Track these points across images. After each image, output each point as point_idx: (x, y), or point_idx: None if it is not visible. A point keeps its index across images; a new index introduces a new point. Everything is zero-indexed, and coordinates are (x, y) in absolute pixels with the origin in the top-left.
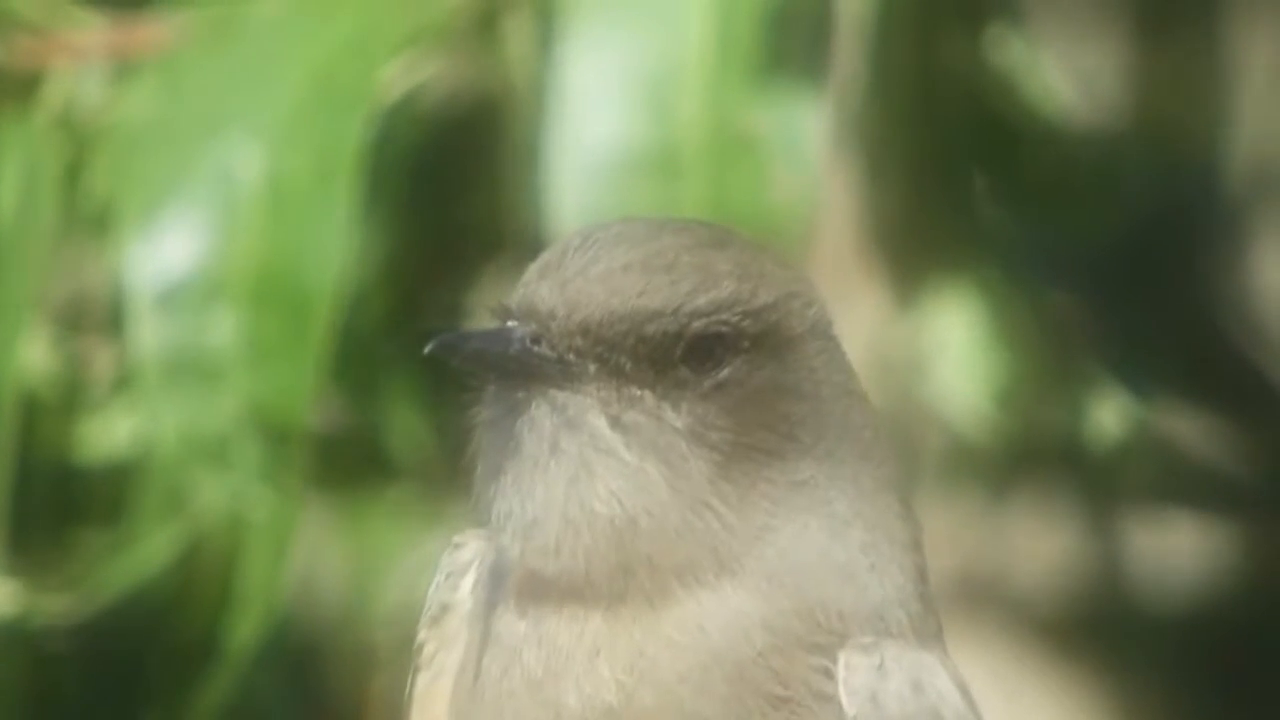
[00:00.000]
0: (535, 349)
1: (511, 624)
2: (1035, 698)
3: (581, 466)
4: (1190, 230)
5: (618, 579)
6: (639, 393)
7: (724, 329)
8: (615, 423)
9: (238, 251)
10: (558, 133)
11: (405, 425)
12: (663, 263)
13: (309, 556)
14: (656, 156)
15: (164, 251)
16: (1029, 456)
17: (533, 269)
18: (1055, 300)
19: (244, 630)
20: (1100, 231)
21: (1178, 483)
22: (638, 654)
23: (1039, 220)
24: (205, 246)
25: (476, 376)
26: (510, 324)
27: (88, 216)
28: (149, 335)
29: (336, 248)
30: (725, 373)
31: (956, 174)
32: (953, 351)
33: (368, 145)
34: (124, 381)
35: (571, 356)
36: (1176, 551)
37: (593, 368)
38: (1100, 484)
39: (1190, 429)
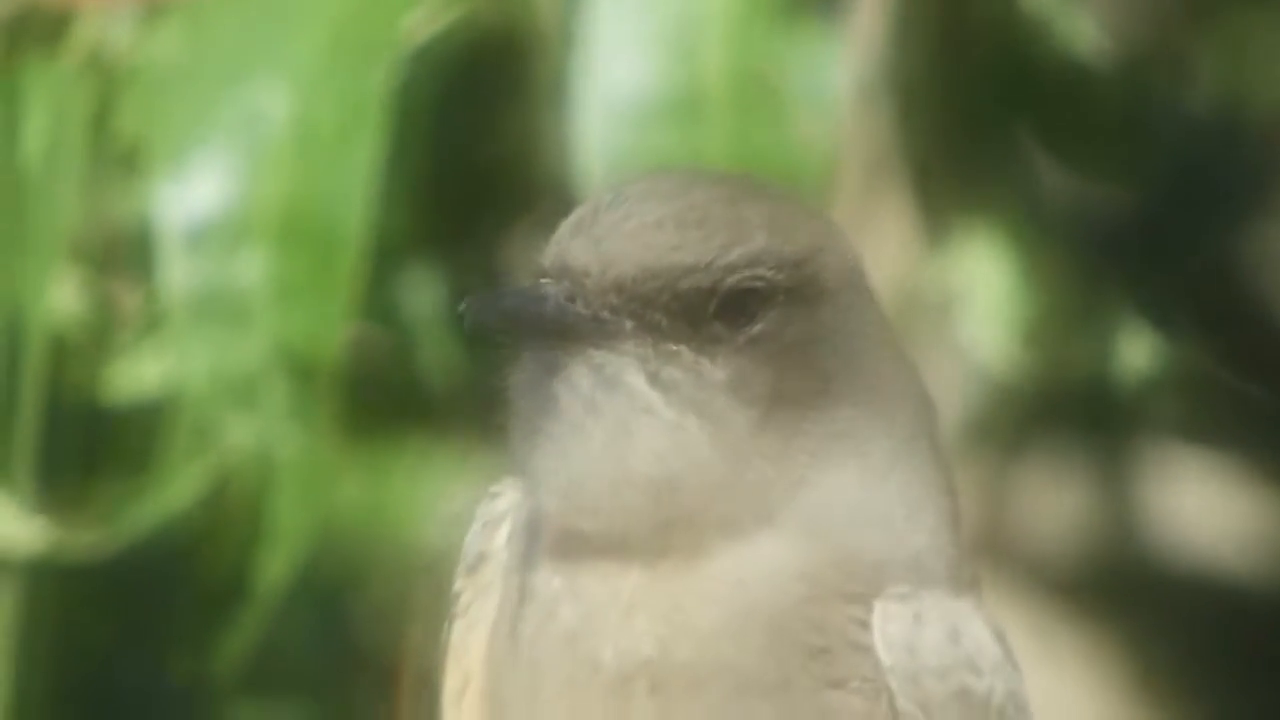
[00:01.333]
0: (571, 307)
1: (546, 579)
2: (1052, 653)
3: (620, 425)
4: (1214, 183)
5: (658, 535)
6: (675, 348)
7: (758, 283)
8: (654, 379)
9: (265, 192)
10: (583, 76)
11: (434, 367)
12: (695, 217)
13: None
14: (681, 100)
15: (192, 193)
16: (1056, 395)
17: (565, 226)
18: (1083, 241)
19: (273, 570)
20: (1129, 175)
21: (1207, 419)
22: (674, 607)
23: (1069, 162)
24: (233, 188)
25: (512, 336)
26: (544, 282)
27: (116, 158)
28: (178, 276)
29: (363, 188)
30: (760, 325)
31: (986, 115)
32: (981, 291)
33: (394, 87)
34: (153, 322)
35: (607, 314)
36: (1195, 508)
37: (629, 324)
38: (1128, 423)
39: (1216, 371)
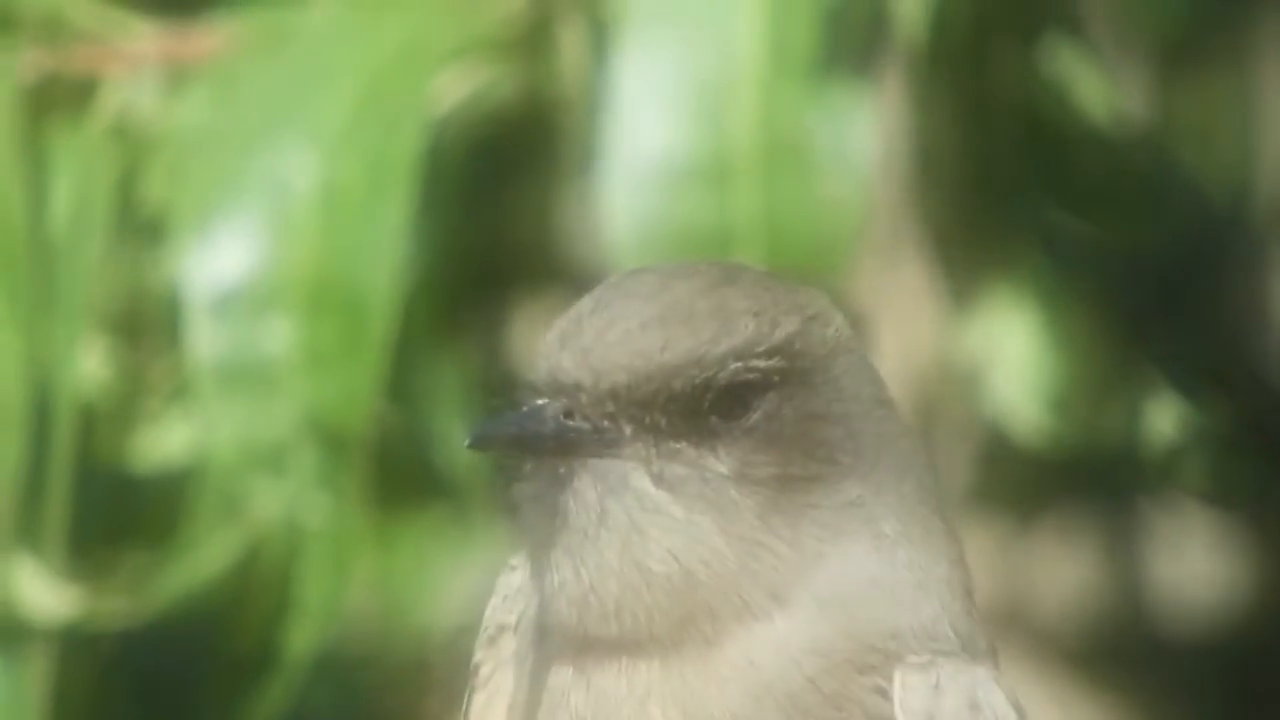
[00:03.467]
0: (569, 424)
1: (558, 668)
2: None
3: (632, 529)
4: (1219, 255)
5: (675, 631)
6: (677, 446)
7: (751, 368)
8: (659, 480)
9: (293, 259)
10: (610, 141)
11: (449, 438)
12: (679, 314)
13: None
14: (709, 164)
15: (219, 259)
16: (1077, 462)
17: (552, 338)
18: (1106, 305)
19: (301, 640)
20: (1147, 239)
21: (1228, 485)
22: (689, 694)
23: (1088, 226)
24: (260, 254)
25: (517, 457)
26: (540, 402)
27: (142, 225)
28: (204, 343)
29: (391, 255)
30: (759, 409)
31: (1010, 179)
32: (1006, 358)
33: (421, 153)
34: (180, 389)
35: (606, 424)
36: (1200, 576)
37: (628, 430)
38: (1147, 489)
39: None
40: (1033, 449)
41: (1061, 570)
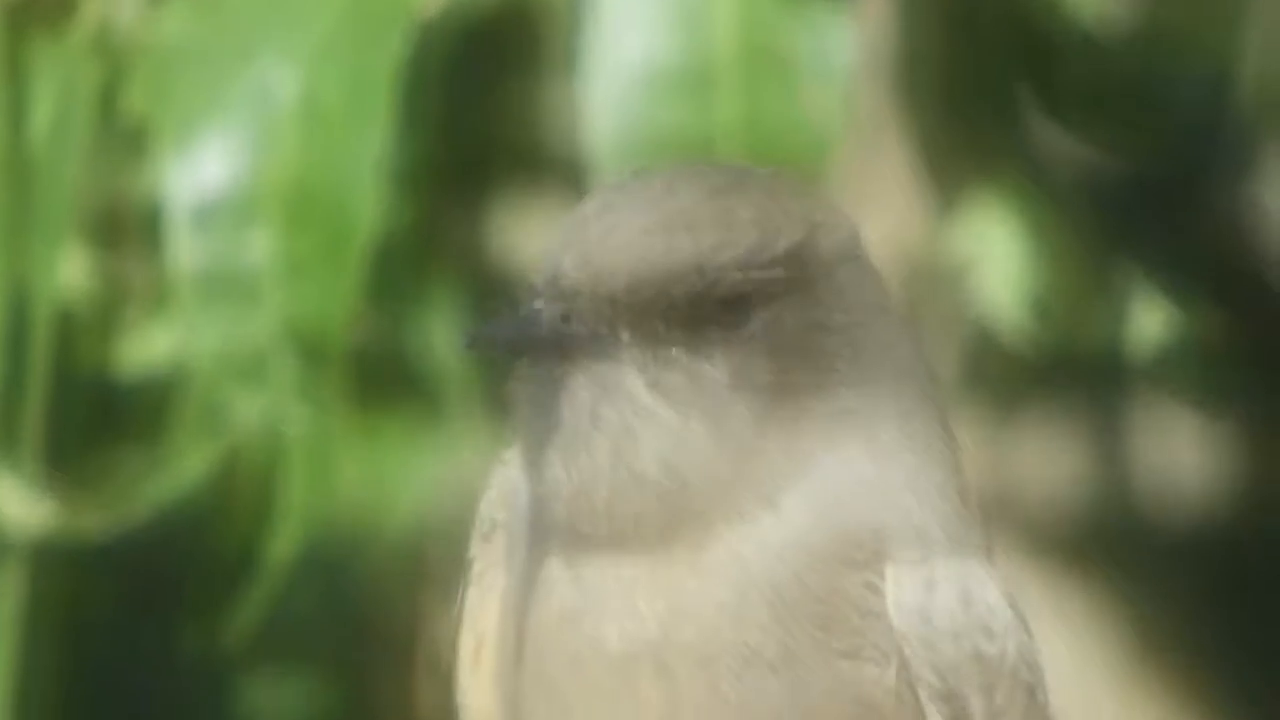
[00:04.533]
0: (566, 327)
1: (549, 563)
2: (1053, 610)
3: (625, 433)
4: (1208, 156)
5: (665, 532)
6: (674, 352)
7: (752, 276)
8: (654, 385)
9: (274, 170)
10: (592, 46)
11: (435, 341)
12: (683, 221)
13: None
14: (690, 70)
15: (201, 170)
16: (1065, 365)
17: (554, 242)
18: (1091, 209)
19: (282, 545)
20: (1134, 142)
21: (1214, 385)
22: (675, 588)
23: (1076, 130)
24: (242, 165)
25: (513, 359)
26: (538, 305)
27: (124, 136)
28: (185, 253)
29: (373, 165)
30: (759, 317)
31: (995, 84)
32: (990, 261)
33: (403, 63)
34: (161, 299)
35: (603, 329)
36: (1187, 465)
37: (625, 335)
38: (1134, 388)
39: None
40: (1016, 349)
41: (1048, 462)
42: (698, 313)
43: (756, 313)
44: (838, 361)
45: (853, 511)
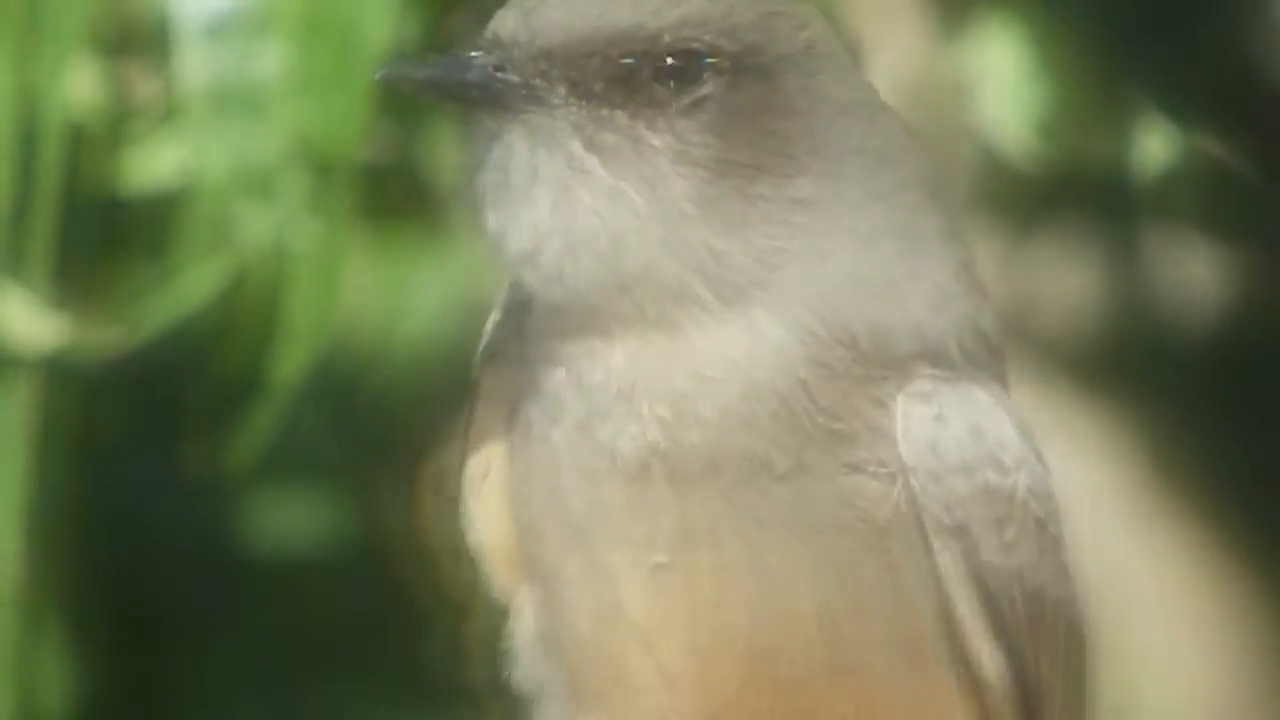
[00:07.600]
0: (498, 75)
1: (549, 369)
2: (1065, 430)
3: (560, 187)
4: None
5: (616, 299)
6: (611, 114)
7: (695, 45)
8: (590, 144)
9: None
10: None
11: (444, 156)
12: None
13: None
14: None
15: None
16: (1075, 185)
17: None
18: (1099, 31)
19: (289, 363)
20: None
21: (1220, 208)
22: (675, 392)
23: None
24: None
25: (433, 100)
26: (473, 54)
27: None
28: (196, 66)
29: None
30: (704, 90)
31: None
32: (996, 80)
33: None
34: (170, 112)
35: (538, 81)
36: (1196, 283)
37: (562, 90)
38: (1142, 210)
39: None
40: (1025, 169)
41: (1061, 281)
42: (638, 75)
43: (702, 85)
44: (792, 148)
45: (852, 311)
